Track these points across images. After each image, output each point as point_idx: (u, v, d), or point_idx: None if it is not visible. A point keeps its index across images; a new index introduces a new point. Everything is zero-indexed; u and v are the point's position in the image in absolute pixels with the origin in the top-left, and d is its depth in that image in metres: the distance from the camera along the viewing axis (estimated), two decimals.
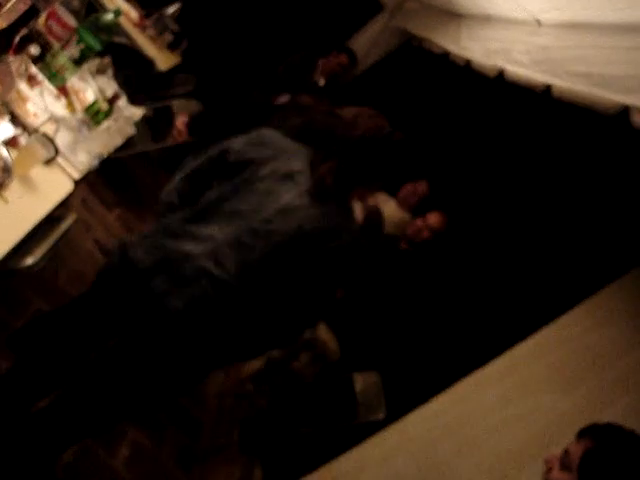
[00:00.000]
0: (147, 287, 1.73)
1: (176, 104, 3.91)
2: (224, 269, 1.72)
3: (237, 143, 1.92)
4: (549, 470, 1.41)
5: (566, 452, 1.39)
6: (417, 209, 3.80)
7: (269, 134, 1.96)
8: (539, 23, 2.73)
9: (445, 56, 3.43)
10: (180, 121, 3.10)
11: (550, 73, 2.34)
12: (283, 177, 1.82)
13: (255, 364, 3.55)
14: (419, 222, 3.46)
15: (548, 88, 2.29)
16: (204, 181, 1.93)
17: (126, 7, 3.71)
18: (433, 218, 3.47)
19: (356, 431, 2.99)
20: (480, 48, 3.04)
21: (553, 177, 3.00)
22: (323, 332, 3.55)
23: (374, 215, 3.54)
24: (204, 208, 1.83)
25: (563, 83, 2.23)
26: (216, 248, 1.74)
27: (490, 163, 3.46)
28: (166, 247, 1.76)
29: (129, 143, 3.23)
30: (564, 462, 1.38)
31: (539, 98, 2.36)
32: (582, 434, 1.41)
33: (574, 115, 2.28)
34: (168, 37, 4.01)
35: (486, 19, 3.25)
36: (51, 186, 2.16)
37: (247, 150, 1.89)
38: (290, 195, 1.80)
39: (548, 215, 3.00)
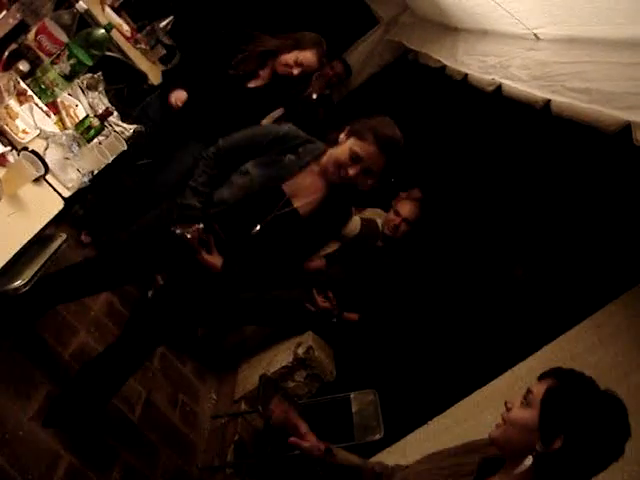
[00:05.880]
0: None
1: None
2: None
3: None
4: (509, 410, 1.41)
5: (528, 391, 1.40)
6: None
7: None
8: (537, 38, 2.71)
9: (441, 70, 3.41)
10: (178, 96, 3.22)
11: (548, 89, 2.32)
12: None
13: (249, 384, 3.50)
14: (392, 216, 3.48)
15: (547, 104, 2.26)
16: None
17: (118, 21, 3.67)
18: (405, 208, 3.47)
19: (353, 452, 2.92)
20: (477, 63, 3.01)
21: (553, 194, 2.97)
22: (319, 350, 3.50)
23: (371, 225, 3.55)
24: None
25: (562, 99, 2.20)
26: None
27: (488, 179, 3.44)
28: None
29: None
30: (525, 400, 1.39)
31: (538, 114, 2.34)
32: (544, 375, 1.42)
33: (574, 132, 2.25)
34: (160, 51, 3.98)
35: (483, 33, 3.22)
36: (40, 205, 2.09)
37: None
38: None
39: (549, 232, 2.97)
